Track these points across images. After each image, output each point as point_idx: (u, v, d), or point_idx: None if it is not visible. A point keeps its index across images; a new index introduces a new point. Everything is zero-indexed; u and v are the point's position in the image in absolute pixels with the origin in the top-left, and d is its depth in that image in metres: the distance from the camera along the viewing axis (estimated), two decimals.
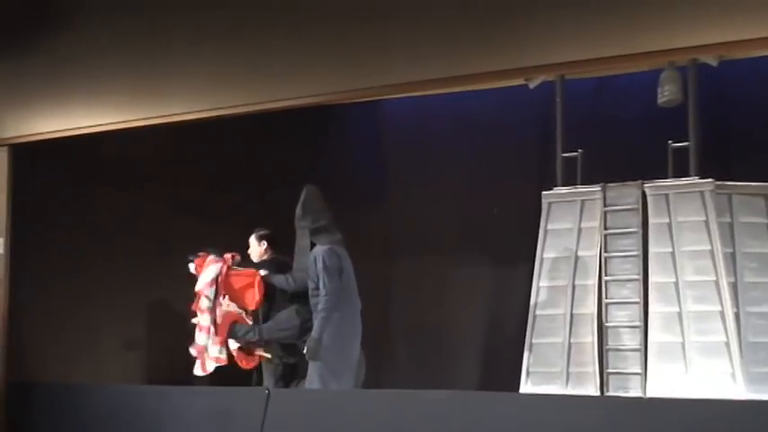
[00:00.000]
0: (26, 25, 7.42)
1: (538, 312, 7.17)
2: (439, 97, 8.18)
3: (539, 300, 7.17)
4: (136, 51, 6.95)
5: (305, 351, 6.99)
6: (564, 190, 7.32)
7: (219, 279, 7.22)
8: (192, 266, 7.39)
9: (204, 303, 7.18)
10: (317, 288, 7.00)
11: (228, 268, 7.27)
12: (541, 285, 7.20)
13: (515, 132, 8.47)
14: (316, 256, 7.05)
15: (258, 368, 7.59)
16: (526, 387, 7.05)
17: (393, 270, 9.10)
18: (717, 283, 6.67)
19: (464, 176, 8.64)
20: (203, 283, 7.22)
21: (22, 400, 7.41)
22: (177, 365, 7.96)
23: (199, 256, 7.39)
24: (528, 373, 7.09)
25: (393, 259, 9.08)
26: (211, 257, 7.32)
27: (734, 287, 6.75)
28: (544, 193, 7.35)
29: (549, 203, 7.31)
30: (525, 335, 7.18)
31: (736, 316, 6.68)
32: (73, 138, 7.23)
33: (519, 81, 7.24)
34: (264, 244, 7.54)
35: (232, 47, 6.60)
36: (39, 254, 7.61)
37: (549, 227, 7.27)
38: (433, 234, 8.73)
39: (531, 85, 7.52)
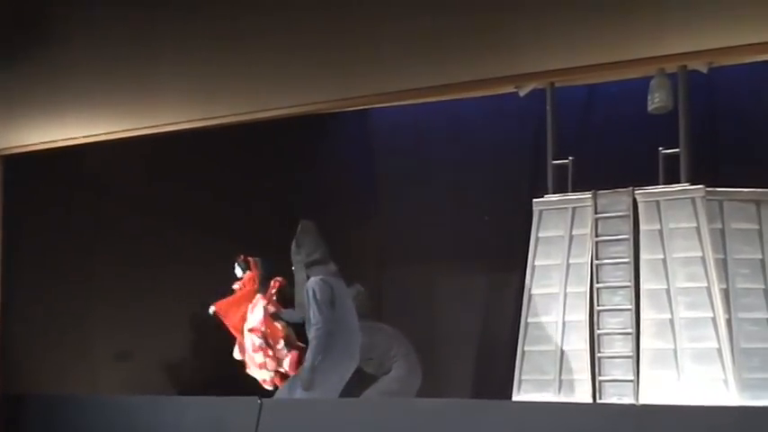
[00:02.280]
0: (16, 37, 7.40)
1: (530, 320, 7.15)
2: (429, 105, 8.19)
3: (530, 307, 7.16)
4: (126, 62, 6.94)
5: (299, 381, 7.03)
6: (555, 197, 7.30)
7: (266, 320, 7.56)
8: (238, 270, 7.72)
9: (258, 342, 7.48)
10: (311, 320, 7.05)
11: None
12: (533, 293, 7.18)
13: (506, 140, 8.49)
14: (308, 288, 7.10)
15: None
16: (519, 395, 7.03)
17: (384, 278, 9.10)
18: (708, 289, 6.66)
19: (454, 184, 8.65)
20: (257, 321, 7.51)
21: (14, 412, 7.38)
22: (172, 375, 7.96)
23: (244, 260, 7.76)
24: (520, 381, 7.07)
25: (384, 268, 9.08)
26: (259, 296, 7.60)
27: (726, 293, 6.73)
28: (535, 200, 7.32)
29: (540, 211, 7.29)
30: (517, 343, 7.18)
31: (729, 322, 6.66)
32: (65, 148, 7.22)
33: (509, 89, 7.25)
34: None
35: (223, 56, 6.61)
36: (31, 264, 7.60)
37: (540, 234, 7.25)
38: (423, 242, 8.73)
39: (522, 93, 7.52)
